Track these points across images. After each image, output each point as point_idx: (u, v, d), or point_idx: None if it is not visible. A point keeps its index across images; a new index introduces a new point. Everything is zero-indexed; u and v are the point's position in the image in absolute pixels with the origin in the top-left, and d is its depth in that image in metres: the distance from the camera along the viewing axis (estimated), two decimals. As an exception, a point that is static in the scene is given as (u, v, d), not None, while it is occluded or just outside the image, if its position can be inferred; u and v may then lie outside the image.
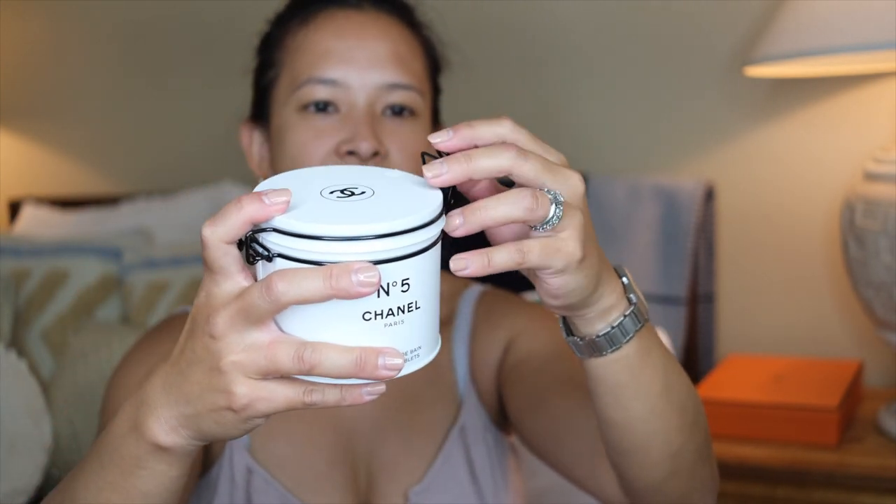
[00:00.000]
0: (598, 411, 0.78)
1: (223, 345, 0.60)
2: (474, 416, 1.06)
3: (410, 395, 1.05)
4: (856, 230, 1.52)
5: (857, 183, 1.58)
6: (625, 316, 0.72)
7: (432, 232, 0.61)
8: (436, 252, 0.62)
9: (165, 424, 0.64)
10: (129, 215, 2.19)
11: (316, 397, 0.61)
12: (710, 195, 1.87)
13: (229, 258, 0.60)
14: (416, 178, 0.65)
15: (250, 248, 0.59)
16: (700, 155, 1.93)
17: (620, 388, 0.75)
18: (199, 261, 1.97)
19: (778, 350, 1.90)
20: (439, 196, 0.62)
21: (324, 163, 0.99)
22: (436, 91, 1.10)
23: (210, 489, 1.01)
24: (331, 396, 0.61)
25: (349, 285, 0.56)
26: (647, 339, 0.75)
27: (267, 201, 0.58)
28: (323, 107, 1.01)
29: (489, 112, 2.08)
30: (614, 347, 0.73)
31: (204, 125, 2.33)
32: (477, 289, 1.12)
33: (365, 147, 0.98)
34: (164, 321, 1.06)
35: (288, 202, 0.58)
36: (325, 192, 0.62)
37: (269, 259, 0.59)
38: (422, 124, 1.04)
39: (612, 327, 0.72)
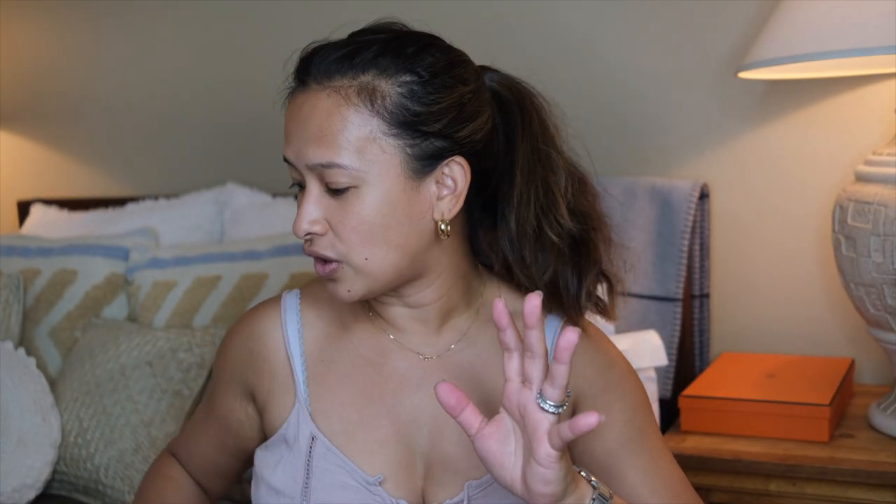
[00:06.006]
0: None
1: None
2: None
3: (482, 397, 1.06)
4: (847, 230, 1.53)
5: (848, 184, 1.59)
6: (593, 500, 0.91)
7: None
8: None
9: None
10: (135, 216, 2.21)
11: None
12: (704, 196, 1.87)
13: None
14: None
15: None
16: (694, 156, 1.94)
17: None
18: (203, 260, 1.99)
19: (771, 348, 1.90)
20: None
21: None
22: (421, 135, 0.99)
23: (279, 447, 1.09)
24: None
25: None
26: None
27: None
28: (300, 185, 1.02)
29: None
30: None
31: (206, 125, 2.36)
32: (557, 321, 1.10)
33: (298, 234, 0.99)
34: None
35: None
36: None
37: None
38: (366, 192, 0.98)
39: None
